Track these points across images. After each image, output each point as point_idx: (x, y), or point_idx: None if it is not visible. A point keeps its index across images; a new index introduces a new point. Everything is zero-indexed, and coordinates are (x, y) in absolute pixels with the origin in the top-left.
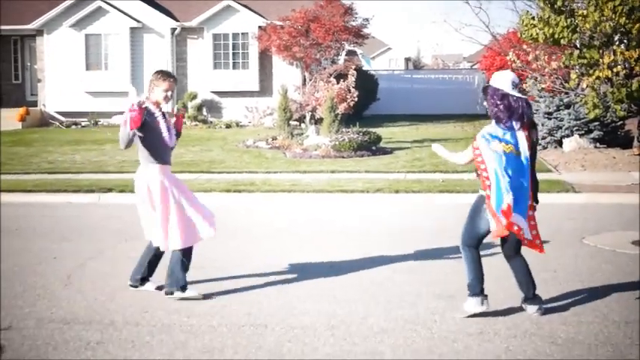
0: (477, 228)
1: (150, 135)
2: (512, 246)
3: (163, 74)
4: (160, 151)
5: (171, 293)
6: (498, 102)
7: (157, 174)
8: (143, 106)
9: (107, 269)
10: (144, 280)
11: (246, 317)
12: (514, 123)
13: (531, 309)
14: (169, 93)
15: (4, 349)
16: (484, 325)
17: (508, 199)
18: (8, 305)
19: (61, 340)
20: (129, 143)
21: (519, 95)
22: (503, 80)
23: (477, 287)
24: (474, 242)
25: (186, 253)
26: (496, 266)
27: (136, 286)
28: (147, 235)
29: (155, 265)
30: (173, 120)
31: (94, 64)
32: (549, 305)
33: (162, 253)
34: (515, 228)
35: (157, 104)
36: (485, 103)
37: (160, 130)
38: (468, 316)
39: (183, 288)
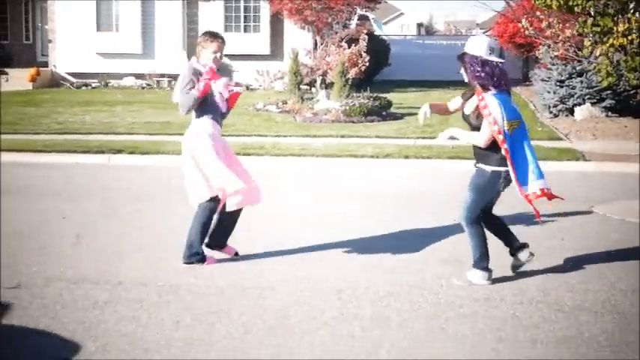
0: (485, 203)
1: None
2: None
3: (211, 35)
4: (212, 111)
5: (191, 263)
6: (479, 69)
7: (209, 125)
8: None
9: (116, 230)
10: (222, 246)
11: (253, 279)
12: (502, 87)
13: (523, 255)
14: (219, 55)
15: (10, 308)
16: (490, 291)
17: (538, 184)
18: (17, 264)
19: (69, 298)
20: (190, 109)
21: (499, 60)
22: (479, 46)
23: (484, 262)
24: (479, 218)
25: (206, 224)
26: None
27: (212, 248)
28: (192, 199)
29: (231, 227)
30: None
31: (105, 26)
32: (557, 273)
33: (235, 213)
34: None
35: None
36: (461, 71)
37: (212, 94)
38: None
39: (202, 260)
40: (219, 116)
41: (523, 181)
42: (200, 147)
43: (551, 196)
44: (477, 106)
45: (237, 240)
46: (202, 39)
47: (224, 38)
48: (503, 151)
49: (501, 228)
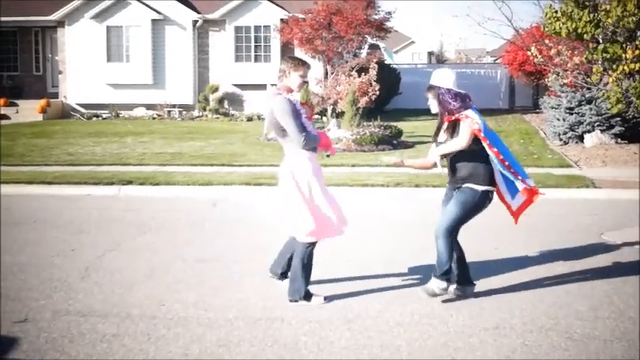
0: (467, 220)
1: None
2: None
3: (299, 60)
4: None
5: (296, 301)
6: (452, 101)
7: (305, 159)
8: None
9: (125, 262)
10: (283, 274)
11: (262, 311)
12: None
13: (469, 290)
14: (304, 79)
15: (17, 342)
16: (500, 319)
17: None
18: (25, 297)
19: (77, 332)
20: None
21: (463, 91)
22: (450, 79)
23: (448, 275)
24: (456, 233)
25: (308, 257)
26: (511, 260)
27: (275, 279)
28: (281, 226)
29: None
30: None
31: (116, 56)
32: (566, 301)
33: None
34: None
35: (289, 91)
36: (431, 102)
37: (302, 119)
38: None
39: (307, 297)
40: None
41: (524, 176)
42: (300, 181)
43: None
44: (452, 126)
45: (245, 271)
46: (291, 63)
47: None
48: (493, 154)
49: (461, 255)
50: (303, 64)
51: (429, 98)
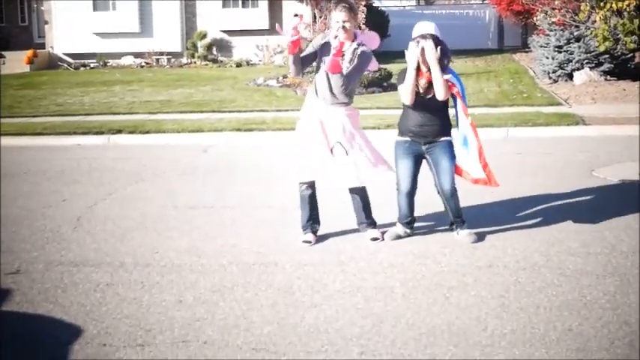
0: None
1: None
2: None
3: (336, 2)
4: (319, 87)
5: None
6: (447, 50)
7: (314, 110)
8: (297, 28)
9: (117, 211)
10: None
11: (256, 255)
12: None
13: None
14: (346, 25)
15: (10, 294)
16: (493, 258)
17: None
18: (17, 249)
19: (70, 282)
20: (295, 70)
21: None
22: (437, 30)
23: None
24: None
25: (304, 203)
26: (502, 199)
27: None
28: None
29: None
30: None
31: (102, 5)
32: (558, 238)
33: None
34: None
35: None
36: (432, 52)
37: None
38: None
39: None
40: (330, 92)
41: None
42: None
43: None
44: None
45: (238, 216)
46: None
47: (352, 6)
48: (464, 113)
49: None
50: (337, 5)
51: (430, 46)
